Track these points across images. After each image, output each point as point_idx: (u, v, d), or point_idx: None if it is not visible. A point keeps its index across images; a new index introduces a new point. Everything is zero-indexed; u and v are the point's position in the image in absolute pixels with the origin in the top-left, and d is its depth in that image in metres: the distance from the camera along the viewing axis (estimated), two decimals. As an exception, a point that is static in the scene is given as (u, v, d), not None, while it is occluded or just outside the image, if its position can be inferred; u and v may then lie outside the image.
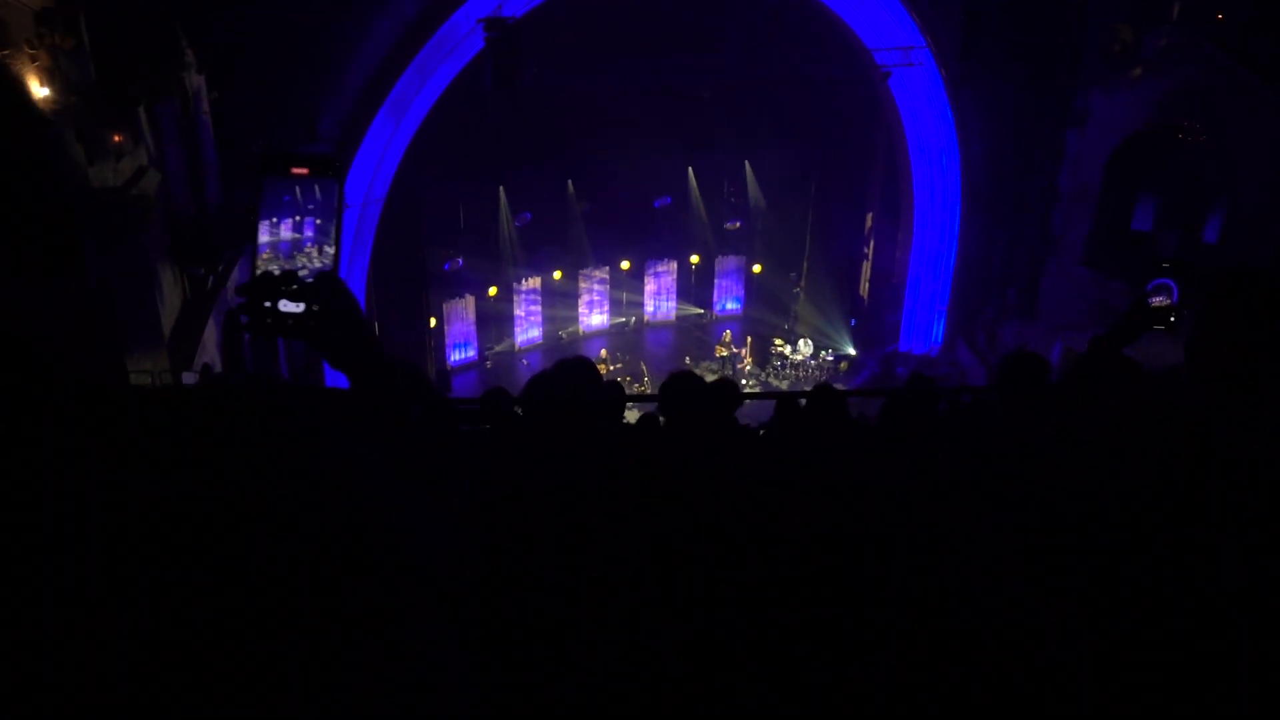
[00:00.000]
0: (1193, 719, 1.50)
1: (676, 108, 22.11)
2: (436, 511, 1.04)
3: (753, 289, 27.18)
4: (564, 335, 25.48)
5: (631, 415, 7.95)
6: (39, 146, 0.82)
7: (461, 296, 23.23)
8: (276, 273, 1.31)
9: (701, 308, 27.13)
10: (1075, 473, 1.96)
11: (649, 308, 26.74)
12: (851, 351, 24.32)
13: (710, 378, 4.69)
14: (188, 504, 0.73)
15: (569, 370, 3.16)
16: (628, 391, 16.69)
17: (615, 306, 26.31)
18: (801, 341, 23.83)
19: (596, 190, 24.39)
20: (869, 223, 24.44)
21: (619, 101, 20.95)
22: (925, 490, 3.20)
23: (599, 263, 25.44)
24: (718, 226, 26.21)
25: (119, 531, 0.70)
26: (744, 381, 22.39)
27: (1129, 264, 17.93)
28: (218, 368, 11.43)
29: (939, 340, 22.67)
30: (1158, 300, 2.81)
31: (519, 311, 24.73)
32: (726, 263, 26.93)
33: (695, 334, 26.35)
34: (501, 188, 22.97)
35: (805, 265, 25.93)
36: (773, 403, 6.14)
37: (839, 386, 7.48)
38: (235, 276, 12.42)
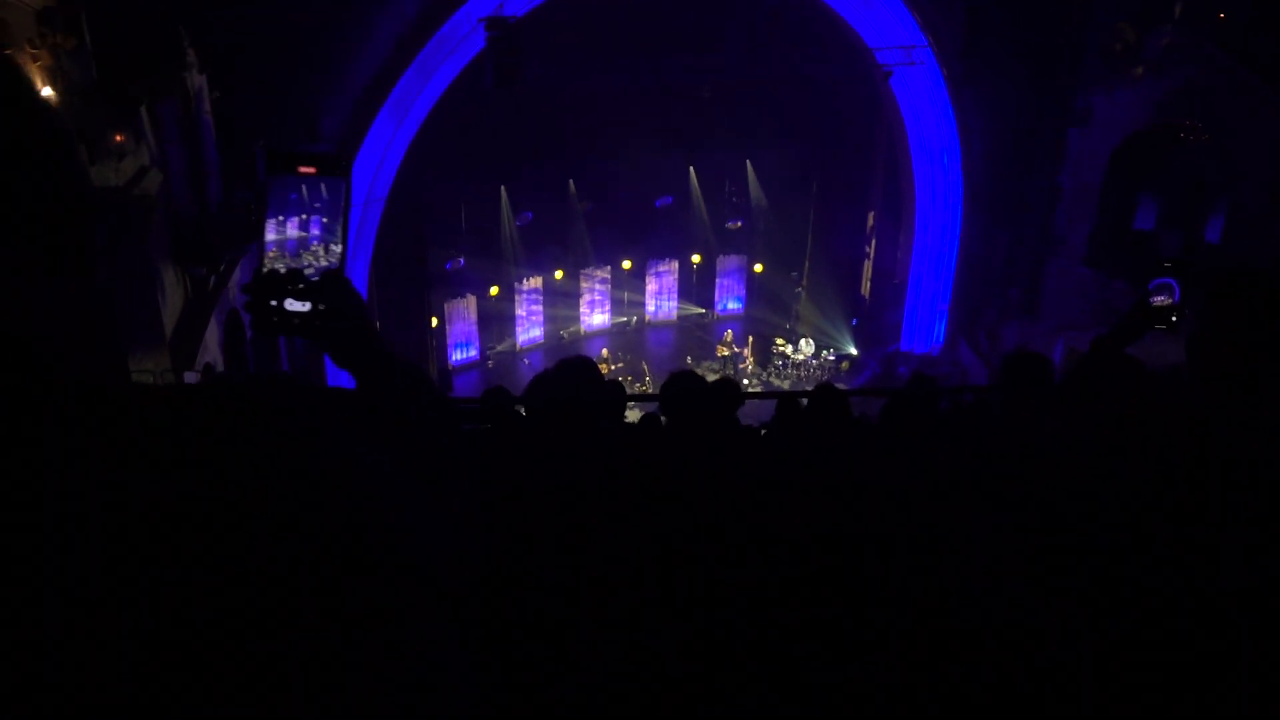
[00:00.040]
0: (1193, 719, 1.50)
1: (678, 107, 22.13)
2: (437, 511, 1.04)
3: (754, 288, 27.18)
4: (565, 335, 25.49)
5: (633, 415, 7.95)
6: (50, 144, 0.82)
7: (463, 296, 23.24)
8: (283, 271, 1.31)
9: (703, 307, 27.14)
10: (1076, 472, 1.96)
11: (650, 307, 26.75)
12: (853, 351, 24.32)
13: (712, 377, 4.69)
14: (188, 503, 0.73)
15: (570, 370, 3.17)
16: (629, 391, 16.70)
17: (617, 306, 26.31)
18: (803, 341, 23.83)
19: (598, 190, 24.40)
20: (870, 222, 24.43)
21: (620, 101, 20.96)
22: (926, 490, 3.20)
23: (600, 262, 25.44)
24: (719, 226, 26.21)
25: (119, 531, 0.70)
26: (745, 381, 22.39)
27: (1131, 264, 17.91)
28: (220, 367, 11.44)
29: (940, 340, 22.66)
30: (1159, 300, 2.81)
31: (520, 311, 24.75)
32: (728, 262, 26.93)
33: (697, 334, 26.36)
34: (503, 187, 22.98)
35: (807, 265, 25.93)
36: (774, 402, 6.14)
37: (840, 386, 7.49)
38: (237, 276, 12.43)
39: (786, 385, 22.35)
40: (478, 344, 24.01)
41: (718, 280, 27.07)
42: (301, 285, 1.30)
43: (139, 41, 10.98)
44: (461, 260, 22.91)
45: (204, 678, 0.69)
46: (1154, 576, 1.59)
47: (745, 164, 25.35)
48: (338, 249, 1.35)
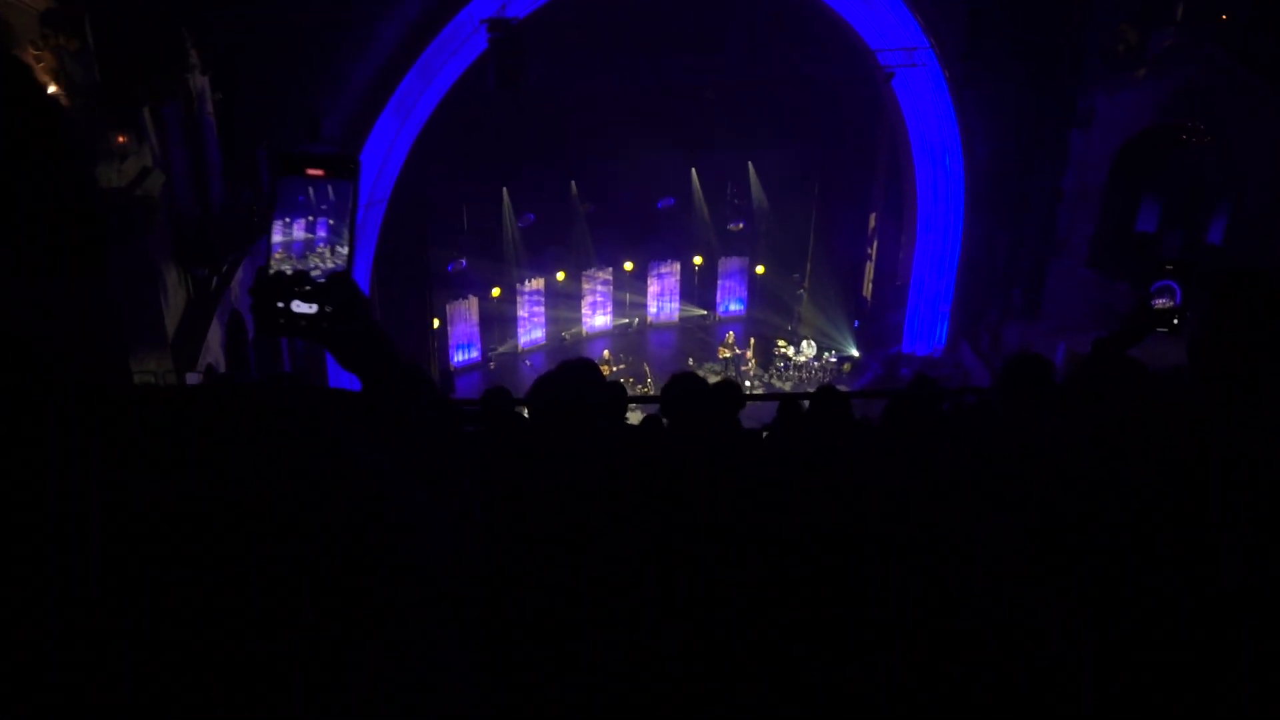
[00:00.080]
0: (1193, 719, 1.50)
1: (679, 109, 22.14)
2: (438, 512, 1.04)
3: (756, 290, 27.18)
4: (567, 336, 25.50)
5: (634, 416, 7.95)
6: (59, 145, 0.83)
7: (465, 297, 23.26)
8: (289, 273, 1.31)
9: (705, 309, 27.14)
10: (1077, 473, 1.96)
11: (652, 309, 26.75)
12: (855, 353, 24.31)
13: (713, 379, 4.69)
14: (189, 504, 0.73)
15: (571, 371, 3.17)
16: (630, 393, 16.71)
17: (618, 308, 26.32)
18: (804, 343, 23.82)
19: (600, 191, 24.41)
20: (872, 223, 24.43)
21: (622, 102, 20.98)
22: (927, 491, 3.19)
23: (602, 264, 25.45)
24: (721, 227, 26.21)
25: (120, 531, 0.70)
26: (747, 383, 22.39)
27: (1133, 265, 17.90)
28: (222, 368, 11.45)
29: (942, 341, 22.65)
30: (1160, 302, 2.81)
31: (522, 312, 24.76)
32: (729, 264, 26.93)
33: (698, 335, 26.35)
34: (505, 188, 23.00)
35: (808, 266, 25.93)
36: (775, 404, 6.14)
37: (842, 388, 7.48)
38: (240, 276, 12.44)
39: (788, 387, 22.35)
40: (479, 345, 24.03)
41: (719, 282, 27.07)
42: (308, 287, 1.30)
43: (141, 43, 11.00)
44: (463, 261, 22.92)
45: (204, 677, 0.69)
46: (1154, 577, 1.59)
47: (747, 165, 25.35)
48: (344, 251, 1.34)
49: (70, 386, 0.76)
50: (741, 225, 26.41)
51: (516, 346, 24.81)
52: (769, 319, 26.01)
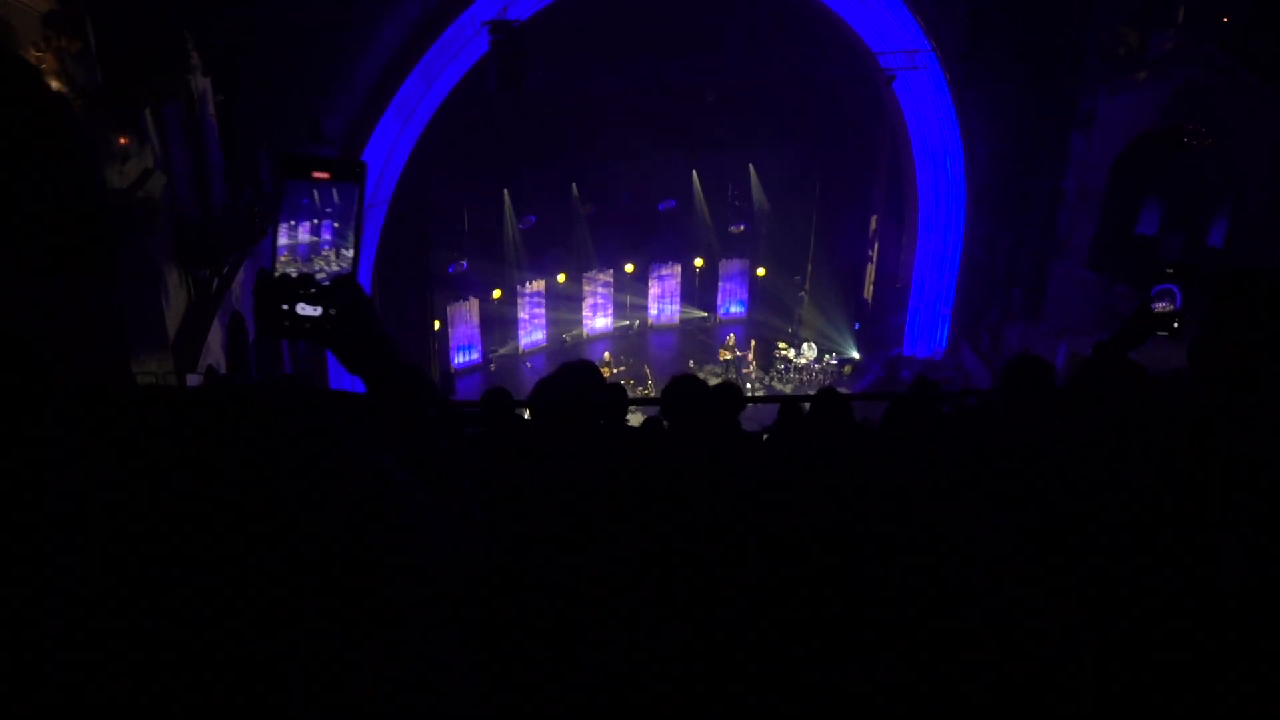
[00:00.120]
0: (1193, 719, 1.50)
1: (680, 111, 22.15)
2: (440, 512, 1.04)
3: (756, 292, 27.19)
4: (568, 338, 25.50)
5: (635, 418, 7.95)
6: (71, 146, 0.83)
7: (465, 299, 23.27)
8: (294, 275, 1.32)
9: (705, 311, 27.15)
10: (1077, 475, 1.96)
11: (653, 311, 26.76)
12: (855, 355, 24.31)
13: (714, 381, 4.69)
14: (191, 504, 0.73)
15: (572, 373, 3.17)
16: (631, 395, 16.69)
17: (619, 310, 26.32)
18: (805, 345, 23.81)
19: (600, 193, 24.43)
20: (873, 225, 24.43)
21: (623, 104, 20.99)
22: (928, 493, 3.20)
23: (603, 266, 25.46)
24: (722, 229, 26.22)
25: (121, 531, 0.70)
26: (748, 385, 22.39)
27: (1134, 267, 17.89)
28: (223, 369, 11.45)
29: (943, 344, 22.65)
30: (1160, 306, 2.81)
31: (523, 314, 24.76)
32: (730, 266, 26.94)
33: (699, 337, 26.36)
34: (506, 190, 23.01)
35: (809, 268, 25.93)
36: (776, 406, 6.14)
37: (843, 390, 7.48)
38: (241, 278, 12.44)
39: (789, 389, 22.34)
40: (480, 347, 24.03)
41: (720, 284, 27.08)
42: (313, 290, 1.31)
43: (143, 44, 11.01)
44: (464, 263, 22.94)
45: (205, 678, 0.70)
46: (1154, 577, 1.59)
47: (748, 167, 25.37)
48: (349, 254, 1.35)
49: (72, 387, 0.77)
50: (742, 227, 26.42)
51: (517, 348, 24.81)
52: (770, 321, 26.01)
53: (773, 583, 2.72)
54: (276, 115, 14.29)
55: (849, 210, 24.30)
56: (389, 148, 16.84)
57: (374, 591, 0.80)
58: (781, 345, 24.00)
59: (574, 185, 23.95)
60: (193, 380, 9.85)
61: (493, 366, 24.07)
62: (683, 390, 4.00)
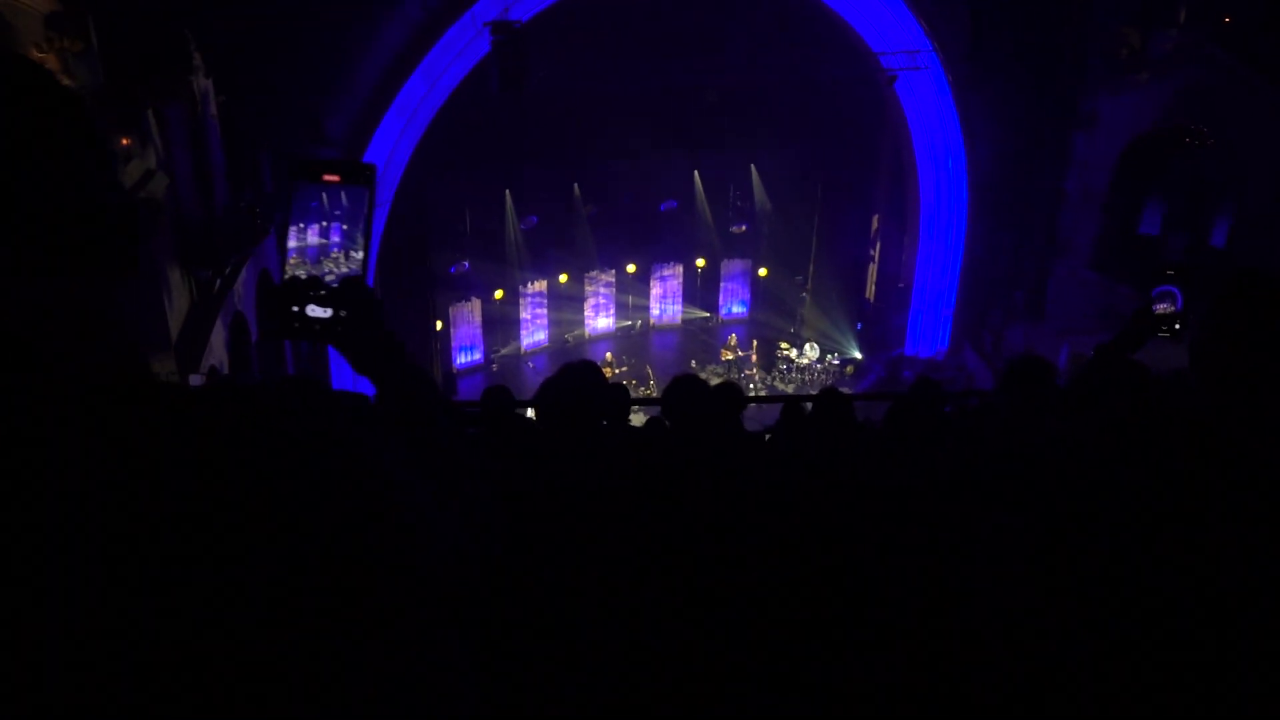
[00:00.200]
0: (1193, 719, 1.50)
1: (682, 111, 22.14)
2: (442, 513, 1.04)
3: (758, 292, 27.17)
4: (570, 338, 25.50)
5: (638, 419, 7.95)
6: (89, 145, 0.83)
7: (467, 299, 23.27)
8: (303, 277, 1.32)
9: (707, 311, 27.13)
10: (1079, 475, 1.96)
11: (655, 311, 26.74)
12: (857, 355, 24.29)
13: (716, 381, 4.69)
14: (191, 503, 0.73)
15: (574, 374, 3.17)
16: (633, 395, 16.68)
17: (621, 310, 26.31)
18: (807, 345, 23.80)
19: (602, 193, 24.42)
20: (875, 225, 24.41)
21: (625, 104, 20.98)
22: (930, 493, 3.19)
23: (605, 266, 25.45)
24: (723, 230, 26.21)
25: (121, 531, 0.70)
26: (751, 386, 22.39)
27: (1136, 268, 17.88)
28: (225, 370, 11.46)
29: (945, 344, 22.63)
30: (1162, 307, 2.81)
31: (525, 314, 24.76)
32: (732, 266, 26.92)
33: (701, 337, 26.34)
34: (507, 190, 23.01)
35: (811, 268, 25.92)
36: (778, 407, 6.14)
37: (845, 390, 7.46)
38: (243, 278, 12.45)
39: (791, 389, 22.33)
40: (482, 347, 24.03)
41: (722, 284, 27.05)
42: (322, 292, 1.32)
43: (145, 45, 11.02)
44: (466, 264, 22.94)
45: (206, 677, 0.70)
46: (1155, 578, 1.59)
47: (750, 167, 25.35)
48: (359, 256, 1.36)
49: (73, 387, 0.77)
50: (744, 227, 26.40)
51: (519, 349, 24.81)
52: (772, 321, 25.99)
53: (774, 583, 2.72)
54: (278, 116, 14.30)
55: (851, 210, 24.28)
56: (391, 148, 16.85)
57: (374, 591, 0.80)
58: (783, 345, 23.98)
59: (576, 185, 23.95)
60: (195, 381, 9.86)
61: (495, 367, 24.07)
62: (684, 390, 4.00)
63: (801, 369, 23.24)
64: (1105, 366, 2.98)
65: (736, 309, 27.43)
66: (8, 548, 0.67)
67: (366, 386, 1.45)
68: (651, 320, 26.76)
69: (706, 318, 27.11)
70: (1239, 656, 1.47)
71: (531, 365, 24.11)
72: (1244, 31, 15.78)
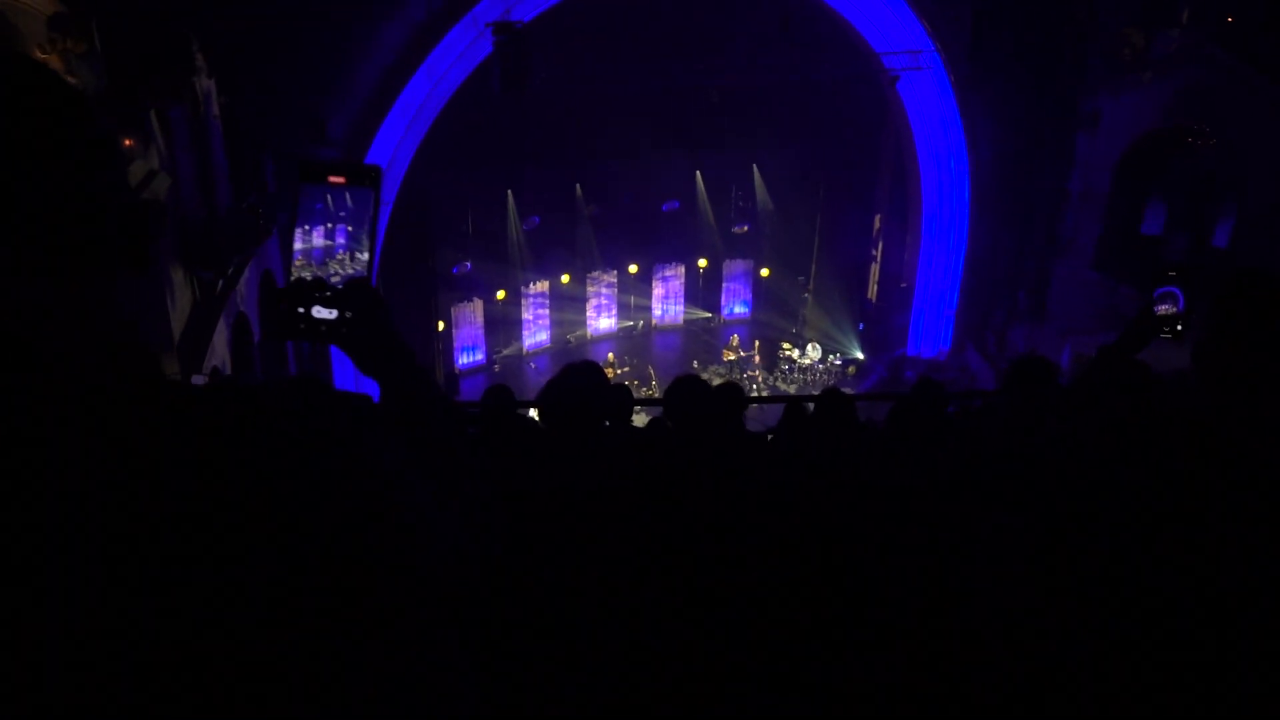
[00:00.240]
0: (1194, 719, 1.50)
1: (684, 111, 22.13)
2: (443, 512, 1.05)
3: (760, 293, 27.16)
4: (572, 339, 25.50)
5: (640, 419, 7.94)
6: (101, 149, 0.84)
7: (469, 300, 23.29)
8: (309, 279, 1.33)
9: (709, 311, 27.12)
10: (1081, 475, 1.96)
11: (657, 311, 26.73)
12: (859, 355, 24.28)
13: (718, 381, 4.69)
14: (192, 503, 0.73)
15: (575, 374, 3.18)
16: (635, 395, 16.67)
17: (623, 310, 26.32)
18: (809, 345, 23.79)
19: (604, 194, 24.43)
20: (877, 225, 24.40)
21: (627, 105, 20.98)
22: (932, 493, 3.19)
23: (607, 266, 25.45)
24: (725, 230, 26.20)
25: (121, 530, 0.70)
26: (754, 386, 22.38)
27: (1139, 268, 17.86)
28: (228, 371, 11.46)
29: (947, 344, 22.62)
30: (1164, 308, 2.80)
31: (527, 315, 24.76)
32: (734, 266, 26.91)
33: (703, 338, 26.34)
34: (509, 191, 23.03)
35: (813, 268, 25.91)
36: (780, 407, 6.14)
37: (847, 390, 7.45)
38: (246, 279, 12.46)
39: (793, 390, 22.32)
40: (484, 348, 24.04)
41: (724, 284, 27.04)
42: (328, 293, 1.32)
43: (148, 46, 11.03)
44: (468, 264, 22.96)
45: (207, 676, 0.70)
46: (1157, 578, 1.59)
47: (752, 168, 25.35)
48: (364, 257, 1.37)
49: (74, 386, 0.77)
50: (746, 228, 26.39)
51: (521, 349, 24.82)
52: (774, 322, 25.98)
53: (775, 583, 2.72)
54: (281, 117, 14.32)
55: (853, 210, 24.27)
56: (393, 149, 16.86)
57: (375, 591, 0.80)
58: (785, 346, 23.98)
59: (578, 186, 23.96)
60: (198, 381, 9.86)
61: (497, 367, 24.07)
62: (686, 391, 4.00)
63: (804, 369, 23.23)
64: (1107, 367, 2.98)
65: (738, 309, 27.42)
66: (8, 548, 0.67)
67: (368, 386, 1.45)
68: (653, 321, 26.76)
69: (708, 318, 27.10)
70: (1239, 656, 1.47)
71: (533, 366, 24.11)
72: (1245, 31, 15.76)
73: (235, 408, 0.84)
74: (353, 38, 15.57)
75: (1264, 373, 1.73)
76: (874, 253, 24.69)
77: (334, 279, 1.35)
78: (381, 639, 0.81)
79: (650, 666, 2.41)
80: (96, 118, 0.84)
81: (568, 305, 25.38)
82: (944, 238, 21.75)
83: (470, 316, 23.47)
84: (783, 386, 22.89)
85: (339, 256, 1.37)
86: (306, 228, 1.35)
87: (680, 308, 26.94)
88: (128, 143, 9.66)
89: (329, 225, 1.36)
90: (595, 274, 25.39)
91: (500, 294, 23.87)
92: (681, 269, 26.48)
